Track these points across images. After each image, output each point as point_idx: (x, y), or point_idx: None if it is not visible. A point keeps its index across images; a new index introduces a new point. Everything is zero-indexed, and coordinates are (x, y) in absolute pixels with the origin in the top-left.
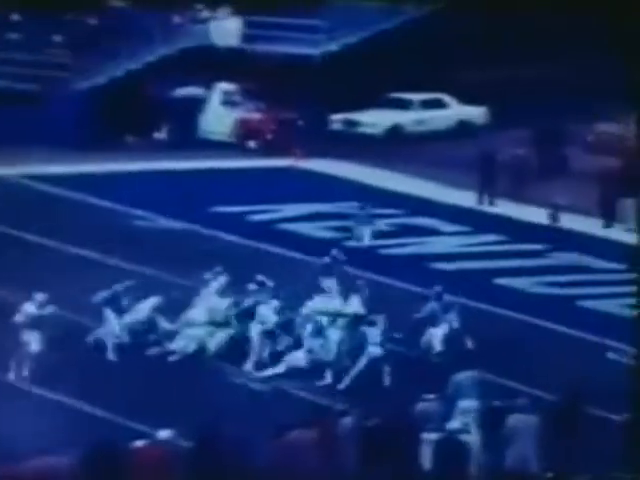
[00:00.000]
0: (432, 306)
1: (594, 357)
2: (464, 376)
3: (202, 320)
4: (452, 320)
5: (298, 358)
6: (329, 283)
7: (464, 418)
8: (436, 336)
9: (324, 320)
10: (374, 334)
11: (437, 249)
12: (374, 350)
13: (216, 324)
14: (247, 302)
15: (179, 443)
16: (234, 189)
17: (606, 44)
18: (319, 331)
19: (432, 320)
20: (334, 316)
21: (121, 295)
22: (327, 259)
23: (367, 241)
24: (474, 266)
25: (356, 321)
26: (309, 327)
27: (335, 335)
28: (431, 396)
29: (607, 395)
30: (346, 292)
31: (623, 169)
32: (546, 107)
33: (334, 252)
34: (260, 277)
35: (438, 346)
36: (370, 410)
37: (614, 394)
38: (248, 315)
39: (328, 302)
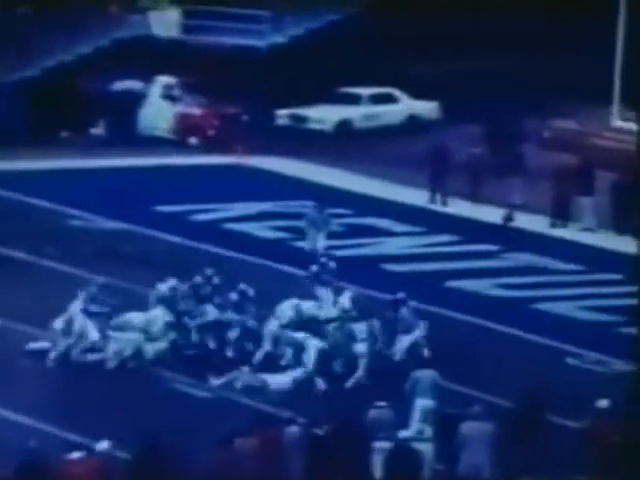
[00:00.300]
0: (404, 312)
1: (551, 361)
2: (423, 374)
3: (139, 325)
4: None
5: (282, 382)
6: (321, 292)
7: (419, 419)
8: (404, 343)
9: (301, 339)
10: (361, 330)
11: (388, 250)
12: (361, 348)
13: (155, 330)
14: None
15: (117, 455)
16: (175, 187)
17: (561, 39)
18: (299, 353)
19: (404, 326)
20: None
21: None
22: (315, 268)
23: (321, 245)
24: (427, 268)
25: (344, 319)
26: (289, 351)
27: (314, 347)
28: (383, 403)
29: (565, 400)
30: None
31: (580, 167)
32: (500, 103)
33: (323, 260)
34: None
35: (400, 353)
36: (321, 418)
37: (571, 398)
38: (207, 323)
39: (318, 309)
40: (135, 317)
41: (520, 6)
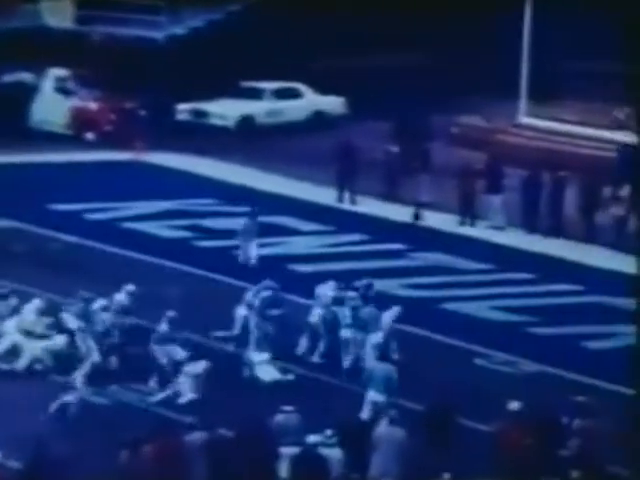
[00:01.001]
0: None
1: (459, 362)
2: (378, 367)
3: (14, 330)
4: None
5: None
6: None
7: (369, 412)
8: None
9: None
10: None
11: (295, 250)
12: (345, 333)
13: (33, 335)
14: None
15: (7, 464)
16: (71, 185)
17: (468, 34)
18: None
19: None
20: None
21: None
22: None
23: (254, 257)
24: (335, 267)
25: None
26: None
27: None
28: (289, 408)
29: (475, 402)
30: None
31: (487, 164)
32: (407, 98)
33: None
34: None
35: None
36: (225, 422)
37: (480, 400)
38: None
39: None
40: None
41: (426, 1)
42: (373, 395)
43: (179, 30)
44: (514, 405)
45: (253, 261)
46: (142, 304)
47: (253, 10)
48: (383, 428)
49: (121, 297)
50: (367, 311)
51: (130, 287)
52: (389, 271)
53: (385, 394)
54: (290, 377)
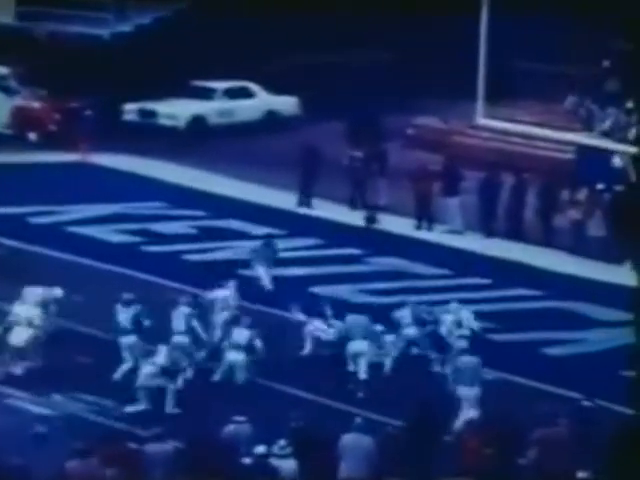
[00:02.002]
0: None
1: (417, 370)
2: (356, 319)
3: None
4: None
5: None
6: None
7: (353, 364)
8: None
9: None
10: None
11: (245, 254)
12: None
13: None
14: None
15: None
16: (13, 187)
17: (424, 33)
18: None
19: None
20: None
21: None
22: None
23: (268, 282)
24: (287, 273)
25: None
26: None
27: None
28: (241, 418)
29: (431, 410)
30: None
31: (444, 166)
32: (363, 98)
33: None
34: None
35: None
36: (176, 432)
37: (442, 408)
38: None
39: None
40: None
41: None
42: (355, 347)
43: (126, 27)
44: (472, 414)
45: (269, 287)
46: (89, 310)
47: (203, 7)
48: (350, 436)
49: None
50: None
51: (57, 291)
52: (343, 277)
53: (368, 341)
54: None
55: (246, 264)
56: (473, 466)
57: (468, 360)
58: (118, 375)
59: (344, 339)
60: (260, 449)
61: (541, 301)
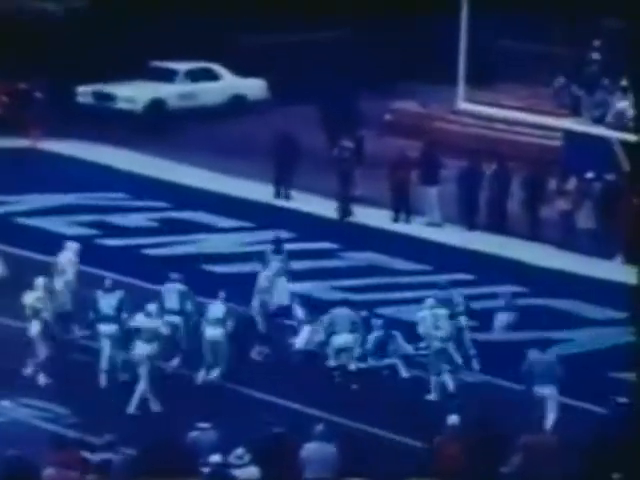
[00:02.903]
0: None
1: (395, 373)
2: (340, 312)
3: None
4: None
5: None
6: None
7: (335, 358)
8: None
9: None
10: None
11: (210, 248)
12: None
13: None
14: None
15: None
16: None
17: (402, 12)
18: None
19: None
20: None
21: None
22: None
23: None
24: (254, 269)
25: None
26: None
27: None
28: (205, 425)
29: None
30: None
31: (423, 153)
32: (337, 81)
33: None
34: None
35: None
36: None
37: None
38: None
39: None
40: None
41: None
42: (339, 340)
43: (79, 2)
44: (453, 419)
45: (286, 302)
46: None
47: None
48: (312, 445)
49: None
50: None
51: None
52: (316, 272)
53: (352, 334)
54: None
55: (210, 258)
56: (452, 476)
57: (541, 358)
58: (103, 364)
59: (327, 335)
60: (216, 458)
61: (527, 298)
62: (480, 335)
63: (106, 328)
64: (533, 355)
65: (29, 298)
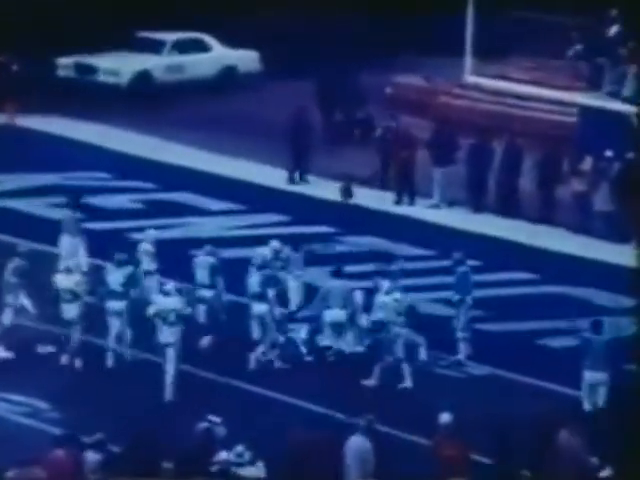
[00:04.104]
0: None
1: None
2: (334, 285)
3: None
4: None
5: None
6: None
7: (330, 333)
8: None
9: None
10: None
11: (200, 232)
12: None
13: None
14: None
15: None
16: None
17: None
18: None
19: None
20: None
21: None
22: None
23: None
24: (247, 254)
25: None
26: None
27: None
28: (216, 419)
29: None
30: None
31: (430, 130)
32: (335, 53)
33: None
34: None
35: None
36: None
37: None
38: None
39: None
40: None
41: None
42: (332, 314)
43: None
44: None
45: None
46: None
47: None
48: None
49: None
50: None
51: None
52: (313, 258)
53: (346, 309)
54: None
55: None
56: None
57: (597, 339)
58: (111, 343)
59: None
60: (223, 455)
61: (538, 286)
62: (488, 325)
63: (114, 304)
64: (588, 337)
65: (66, 281)
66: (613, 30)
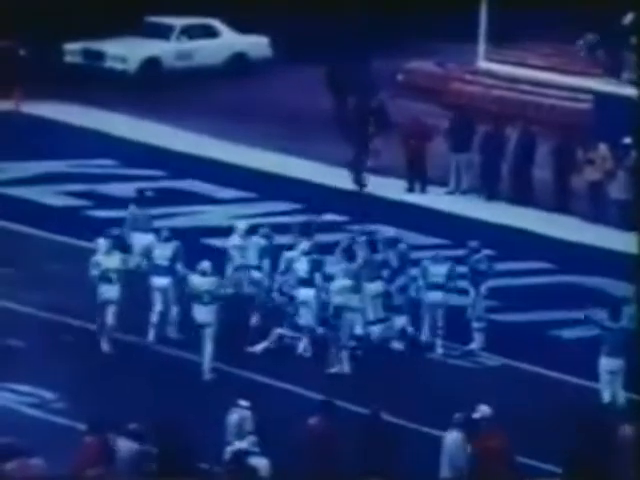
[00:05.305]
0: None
1: (411, 357)
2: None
3: None
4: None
5: None
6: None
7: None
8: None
9: None
10: None
11: (209, 221)
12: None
13: None
14: None
15: None
16: None
17: None
18: None
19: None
20: None
21: None
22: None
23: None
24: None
25: None
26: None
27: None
28: (245, 403)
29: (428, 402)
30: None
31: (449, 117)
32: (347, 39)
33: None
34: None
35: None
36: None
37: (436, 401)
38: None
39: None
40: None
41: None
42: (432, 296)
43: None
44: (484, 410)
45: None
46: (23, 285)
47: None
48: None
49: None
50: None
51: None
52: (324, 247)
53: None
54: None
55: (210, 232)
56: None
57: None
58: (154, 319)
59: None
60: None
61: (553, 275)
62: (502, 316)
63: (159, 280)
64: (605, 324)
65: (111, 262)
66: (629, 17)
